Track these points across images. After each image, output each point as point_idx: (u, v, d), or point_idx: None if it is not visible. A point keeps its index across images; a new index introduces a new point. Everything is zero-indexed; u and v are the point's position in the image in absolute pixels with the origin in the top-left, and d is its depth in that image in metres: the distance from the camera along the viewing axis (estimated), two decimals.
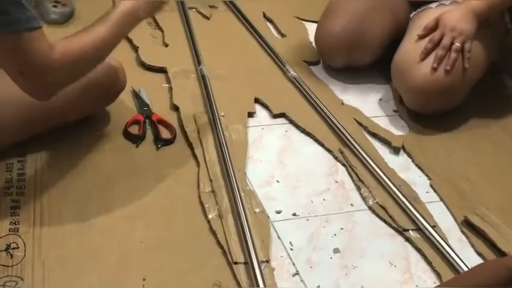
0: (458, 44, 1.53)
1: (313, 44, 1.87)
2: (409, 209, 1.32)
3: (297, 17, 2.07)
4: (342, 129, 1.53)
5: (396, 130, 1.61)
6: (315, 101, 1.62)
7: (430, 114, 1.60)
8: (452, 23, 1.54)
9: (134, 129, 1.45)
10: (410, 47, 1.61)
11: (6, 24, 1.01)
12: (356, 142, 1.49)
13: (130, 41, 1.77)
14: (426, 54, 1.55)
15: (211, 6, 2.02)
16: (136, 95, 1.55)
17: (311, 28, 1.98)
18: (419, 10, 1.71)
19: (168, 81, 1.64)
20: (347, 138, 1.51)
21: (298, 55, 1.85)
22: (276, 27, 2.00)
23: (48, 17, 1.82)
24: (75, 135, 1.41)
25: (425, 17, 1.63)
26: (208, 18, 1.97)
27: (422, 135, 1.58)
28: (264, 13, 2.04)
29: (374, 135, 1.57)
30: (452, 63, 1.53)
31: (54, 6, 1.85)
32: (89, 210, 1.25)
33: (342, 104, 1.67)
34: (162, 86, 1.63)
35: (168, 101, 1.58)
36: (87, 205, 1.26)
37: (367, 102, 1.68)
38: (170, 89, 1.61)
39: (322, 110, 1.60)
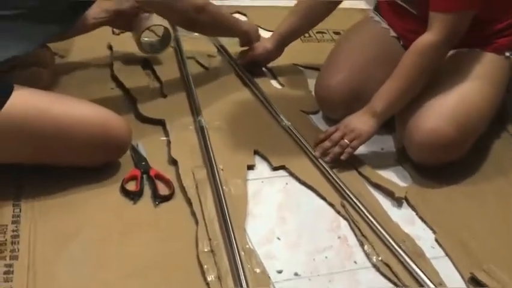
0: (346, 141, 1.56)
1: (313, 93, 1.86)
2: (414, 267, 1.28)
3: (296, 64, 2.06)
4: (343, 181, 1.51)
5: (399, 181, 1.58)
6: (312, 154, 1.59)
7: (434, 166, 1.57)
8: (348, 122, 1.58)
9: (132, 186, 1.42)
10: (414, 100, 1.58)
11: None
12: (358, 195, 1.46)
13: (127, 91, 1.75)
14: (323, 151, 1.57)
15: (210, 56, 2.01)
16: (134, 149, 1.52)
17: (310, 75, 1.97)
18: None
19: (166, 134, 1.62)
20: (348, 190, 1.48)
21: (297, 105, 1.83)
22: (274, 75, 1.98)
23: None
24: (71, 191, 1.38)
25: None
26: (206, 68, 1.95)
27: (425, 187, 1.55)
28: None
29: (377, 186, 1.54)
30: (333, 156, 1.55)
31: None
32: (85, 270, 1.21)
33: None
34: (160, 139, 1.61)
35: (166, 155, 1.55)
36: (83, 265, 1.23)
37: (369, 152, 1.65)
38: (169, 142, 1.58)
39: (321, 162, 1.57)
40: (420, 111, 1.55)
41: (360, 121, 1.56)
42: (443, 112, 1.53)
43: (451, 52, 1.62)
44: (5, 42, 1.29)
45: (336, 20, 2.45)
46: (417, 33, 1.57)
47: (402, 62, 1.55)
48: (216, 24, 1.73)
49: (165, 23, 1.81)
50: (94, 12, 1.68)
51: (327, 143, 1.58)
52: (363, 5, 2.55)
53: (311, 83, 1.92)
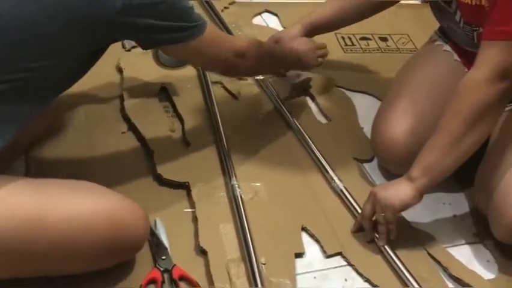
0: (382, 215, 1.24)
1: (364, 131, 1.55)
2: None
3: (341, 87, 1.72)
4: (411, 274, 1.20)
5: (480, 267, 1.27)
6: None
7: None
8: (377, 191, 1.25)
9: None
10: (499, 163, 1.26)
11: (199, 27, 1.16)
12: None
13: (143, 140, 1.43)
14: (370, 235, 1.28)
15: (240, 78, 1.67)
16: (152, 233, 1.21)
17: (360, 104, 1.65)
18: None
19: (192, 203, 1.30)
20: None
21: (347, 150, 1.51)
22: (318, 105, 1.65)
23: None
24: None
25: None
26: (236, 97, 1.62)
27: None
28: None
29: (457, 280, 1.23)
30: (384, 238, 1.25)
31: None
32: None
33: (410, 227, 1.33)
34: (184, 212, 1.29)
35: (192, 236, 1.24)
36: None
37: (439, 220, 1.35)
38: (195, 217, 1.27)
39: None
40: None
41: (392, 190, 1.23)
42: None
43: None
44: None
45: (380, 21, 2.09)
46: None
47: (444, 109, 1.20)
48: (261, 65, 1.38)
49: None
50: None
51: (366, 225, 1.27)
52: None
53: (361, 111, 1.63)
